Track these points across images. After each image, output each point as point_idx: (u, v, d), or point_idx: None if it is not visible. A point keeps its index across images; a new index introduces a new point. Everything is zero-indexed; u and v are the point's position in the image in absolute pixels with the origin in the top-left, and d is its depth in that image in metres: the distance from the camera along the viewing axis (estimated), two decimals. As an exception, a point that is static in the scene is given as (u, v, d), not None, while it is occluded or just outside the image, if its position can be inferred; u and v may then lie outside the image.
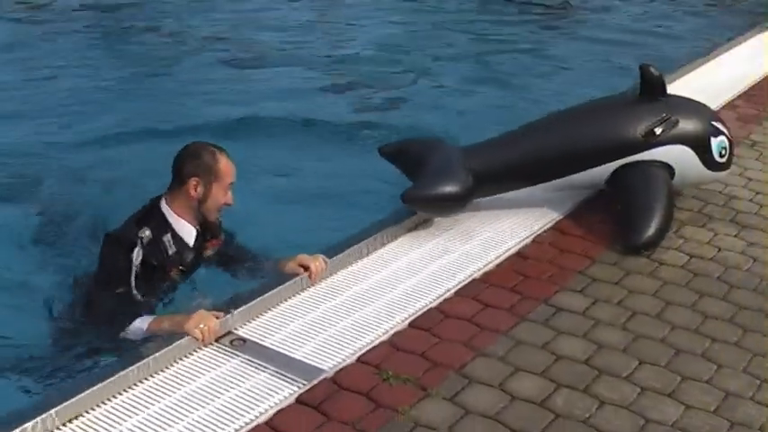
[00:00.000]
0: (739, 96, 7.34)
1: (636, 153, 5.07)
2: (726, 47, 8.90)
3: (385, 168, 5.42)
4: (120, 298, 4.17)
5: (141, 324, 4.02)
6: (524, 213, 5.14)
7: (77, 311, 4.41)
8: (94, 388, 3.47)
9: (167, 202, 4.39)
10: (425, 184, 4.84)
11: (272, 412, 3.41)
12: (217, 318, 3.95)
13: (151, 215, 4.37)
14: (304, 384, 3.57)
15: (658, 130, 5.06)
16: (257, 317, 4.03)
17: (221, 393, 3.53)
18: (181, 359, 3.75)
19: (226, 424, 3.35)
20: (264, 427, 3.35)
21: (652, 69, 5.19)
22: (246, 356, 3.76)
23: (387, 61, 9.27)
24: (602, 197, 5.23)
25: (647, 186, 5.02)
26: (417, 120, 7.25)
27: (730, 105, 6.94)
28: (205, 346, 3.87)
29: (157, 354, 3.69)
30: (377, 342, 3.86)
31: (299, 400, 3.48)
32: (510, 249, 4.71)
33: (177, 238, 4.36)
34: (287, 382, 3.59)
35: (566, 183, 5.13)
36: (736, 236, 4.99)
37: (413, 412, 3.42)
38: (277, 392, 3.53)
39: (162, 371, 3.67)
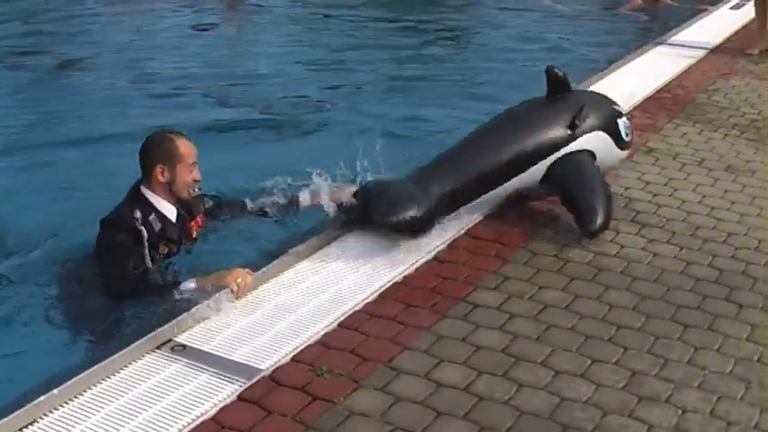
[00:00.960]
0: (635, 108, 7.76)
1: (565, 146, 5.46)
2: (619, 63, 9.33)
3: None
4: (138, 275, 4.66)
5: (189, 285, 4.50)
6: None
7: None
8: (40, 399, 3.62)
9: (145, 186, 4.85)
10: (389, 209, 5.07)
11: (215, 409, 3.63)
12: (250, 275, 4.51)
13: (137, 198, 4.86)
14: (244, 383, 3.80)
15: (578, 121, 5.48)
16: (196, 324, 4.24)
17: (166, 395, 3.74)
18: (125, 367, 3.93)
19: (172, 422, 3.57)
20: (210, 422, 3.58)
21: (557, 70, 5.62)
22: (188, 361, 3.98)
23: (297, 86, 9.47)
24: (511, 205, 5.53)
25: (582, 175, 5.47)
26: (335, 141, 7.46)
27: (627, 116, 7.30)
28: (238, 299, 4.45)
29: (101, 363, 3.88)
30: (309, 342, 4.11)
31: (240, 398, 3.72)
32: (428, 254, 4.98)
33: (161, 216, 4.85)
34: (228, 381, 3.82)
35: (510, 186, 5.45)
36: (636, 234, 5.34)
37: (347, 402, 3.68)
38: (219, 391, 3.75)
39: (107, 378, 3.85)
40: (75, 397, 3.73)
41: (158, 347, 4.07)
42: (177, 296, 4.54)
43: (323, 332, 4.20)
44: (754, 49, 10.10)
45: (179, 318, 4.21)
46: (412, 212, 5.04)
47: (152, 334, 4.10)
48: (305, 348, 4.07)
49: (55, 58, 10.62)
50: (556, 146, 5.46)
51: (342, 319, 4.33)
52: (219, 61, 10.86)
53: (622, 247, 5.17)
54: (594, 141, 5.56)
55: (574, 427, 3.59)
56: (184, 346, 4.08)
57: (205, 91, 9.28)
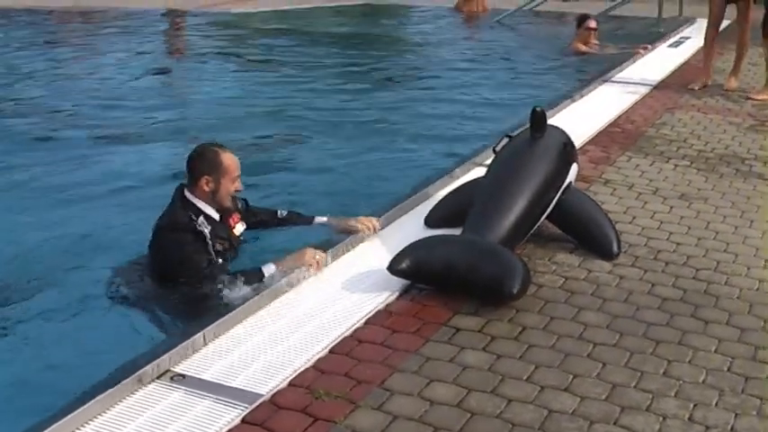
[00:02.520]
0: (589, 142, 8.07)
1: (566, 180, 5.74)
2: (568, 100, 9.65)
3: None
4: (214, 269, 5.12)
5: (270, 268, 5.06)
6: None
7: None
8: (50, 429, 3.71)
9: (190, 192, 5.24)
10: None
11: (221, 433, 3.81)
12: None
13: (183, 202, 5.23)
14: (246, 407, 3.95)
15: (569, 155, 5.82)
16: (193, 353, 4.40)
17: (171, 422, 3.86)
18: (126, 397, 4.04)
19: (181, 447, 3.74)
20: (217, 445, 3.75)
21: (538, 109, 5.85)
22: (188, 389, 4.12)
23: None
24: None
25: (589, 204, 5.90)
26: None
27: (582, 150, 7.61)
28: (317, 272, 5.20)
29: (102, 395, 3.97)
30: (304, 368, 4.28)
31: (244, 421, 3.87)
32: (407, 284, 5.17)
33: (208, 218, 5.21)
34: (229, 407, 3.97)
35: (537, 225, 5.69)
36: (601, 259, 5.58)
37: (348, 422, 3.84)
38: (223, 416, 3.90)
39: (109, 409, 3.96)
40: (79, 429, 3.83)
41: (158, 378, 4.21)
42: (263, 280, 5.13)
43: (316, 357, 4.38)
44: (696, 84, 10.50)
45: (175, 348, 4.34)
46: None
47: (150, 365, 4.20)
48: (300, 373, 4.23)
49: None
50: (563, 180, 5.75)
51: (332, 345, 4.51)
52: (165, 107, 10.97)
53: (590, 271, 5.41)
54: (573, 172, 5.88)
55: (564, 435, 3.80)
56: (184, 376, 4.22)
57: (152, 136, 9.40)
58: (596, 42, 13.79)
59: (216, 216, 5.41)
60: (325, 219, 5.99)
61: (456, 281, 5.01)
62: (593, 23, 13.76)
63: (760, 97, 10.07)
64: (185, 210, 5.31)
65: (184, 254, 5.21)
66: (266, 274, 5.15)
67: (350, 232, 5.77)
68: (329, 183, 7.66)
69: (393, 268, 5.05)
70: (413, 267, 5.06)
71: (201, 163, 5.37)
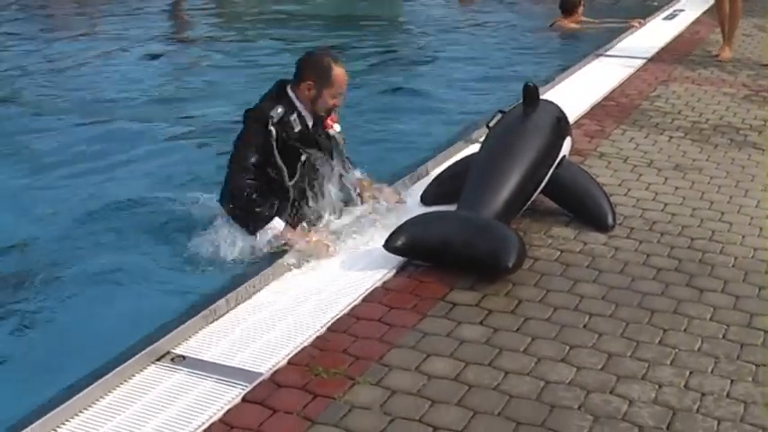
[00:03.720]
0: (583, 116, 8.10)
1: (559, 154, 5.81)
2: (563, 75, 9.67)
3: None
4: (251, 184, 5.30)
5: (277, 225, 5.29)
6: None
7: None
8: (47, 416, 3.72)
9: (292, 89, 5.37)
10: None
11: (222, 412, 3.81)
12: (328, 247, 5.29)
13: (281, 96, 5.35)
14: (246, 386, 3.99)
15: (562, 129, 5.91)
16: (193, 334, 4.44)
17: (173, 402, 3.89)
18: (127, 380, 4.08)
19: (183, 426, 3.73)
20: (219, 424, 3.75)
21: (530, 84, 5.91)
22: (189, 370, 4.15)
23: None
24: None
25: (584, 178, 5.94)
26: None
27: (577, 124, 7.65)
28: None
29: (104, 378, 4.00)
30: (302, 346, 4.32)
31: (245, 399, 3.90)
32: (403, 260, 5.20)
33: (301, 118, 5.35)
34: (230, 386, 4.01)
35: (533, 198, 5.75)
36: (596, 231, 5.61)
37: (347, 398, 3.88)
38: (224, 395, 3.94)
39: (111, 391, 3.99)
40: (81, 411, 3.86)
41: (158, 359, 4.24)
42: (259, 231, 5.33)
43: (315, 336, 4.42)
44: (717, 51, 10.57)
45: (175, 330, 4.38)
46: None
47: (151, 347, 4.24)
48: (299, 351, 4.27)
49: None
50: (556, 154, 5.80)
51: (330, 323, 4.55)
52: (168, 89, 11.02)
53: (586, 243, 5.45)
54: (566, 146, 5.92)
55: (560, 405, 3.83)
56: (184, 357, 4.26)
57: (153, 117, 9.44)
58: (583, 18, 13.76)
59: (310, 122, 5.53)
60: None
61: (452, 256, 5.05)
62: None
63: None
64: (276, 103, 5.43)
65: (243, 147, 5.42)
66: (267, 228, 5.35)
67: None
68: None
69: (390, 246, 5.09)
70: (409, 244, 5.10)
71: (311, 67, 5.50)
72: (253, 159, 5.38)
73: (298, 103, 5.48)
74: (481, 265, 4.97)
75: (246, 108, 5.51)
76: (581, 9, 13.77)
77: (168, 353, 4.30)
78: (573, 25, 13.66)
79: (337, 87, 5.50)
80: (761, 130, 7.77)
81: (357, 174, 5.97)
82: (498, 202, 5.35)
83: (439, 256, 5.10)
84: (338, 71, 5.50)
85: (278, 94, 5.50)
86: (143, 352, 4.22)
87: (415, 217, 5.33)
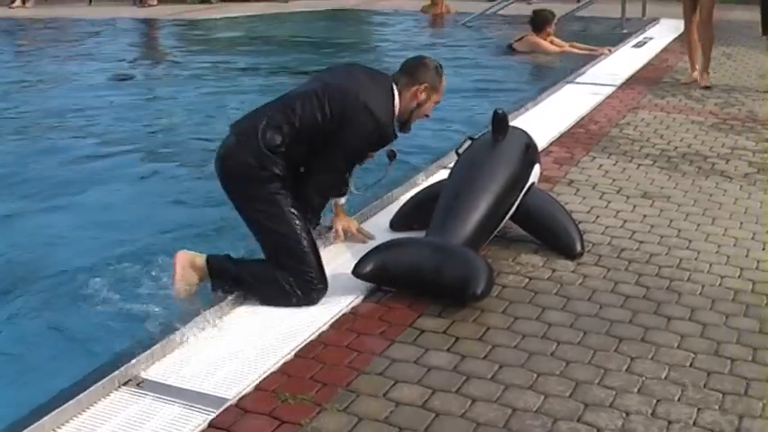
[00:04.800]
0: (553, 143, 8.14)
1: (528, 181, 5.80)
2: (533, 102, 9.72)
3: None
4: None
5: (341, 202, 5.65)
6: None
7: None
8: None
9: (399, 89, 5.43)
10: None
11: (188, 437, 3.82)
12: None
13: (393, 97, 5.38)
14: (213, 412, 3.97)
15: (531, 157, 5.91)
16: (160, 359, 4.41)
17: (139, 428, 3.86)
18: (91, 405, 4.04)
19: (149, 452, 3.75)
20: (184, 449, 3.76)
21: (499, 111, 5.90)
22: (155, 395, 4.13)
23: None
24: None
25: (552, 205, 5.95)
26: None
27: (546, 151, 7.69)
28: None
29: (67, 403, 3.96)
30: (270, 372, 4.30)
31: (211, 425, 3.88)
32: (372, 287, 5.20)
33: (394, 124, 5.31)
34: (197, 411, 3.98)
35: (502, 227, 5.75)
36: (565, 259, 5.63)
37: (314, 424, 3.86)
38: (190, 420, 3.91)
39: (75, 417, 3.95)
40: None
41: (124, 384, 4.21)
42: (331, 196, 5.60)
43: (282, 361, 4.40)
44: (685, 78, 10.70)
45: (142, 354, 4.35)
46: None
47: (116, 372, 4.21)
48: (267, 377, 4.26)
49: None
50: (525, 181, 5.80)
51: (298, 348, 4.53)
52: (140, 111, 11.00)
53: (554, 270, 5.46)
54: (535, 173, 5.95)
55: (528, 433, 3.84)
56: (150, 381, 4.23)
57: (128, 140, 9.40)
58: (554, 38, 13.82)
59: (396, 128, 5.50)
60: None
61: (421, 283, 5.04)
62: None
63: None
64: (385, 101, 5.34)
65: (357, 142, 5.33)
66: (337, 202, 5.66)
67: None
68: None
69: (358, 272, 5.08)
70: (378, 270, 5.10)
71: (428, 72, 5.50)
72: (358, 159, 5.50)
73: (398, 106, 5.43)
74: (450, 292, 4.97)
75: (360, 98, 5.26)
76: (552, 27, 13.80)
77: (134, 378, 4.27)
78: (539, 41, 13.72)
79: (438, 96, 5.59)
80: (728, 158, 7.83)
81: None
82: (467, 228, 5.35)
83: (408, 283, 5.09)
84: (444, 81, 5.60)
85: (392, 95, 5.39)
86: (108, 377, 4.18)
87: (384, 243, 5.33)
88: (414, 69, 5.53)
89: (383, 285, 5.16)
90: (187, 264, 5.13)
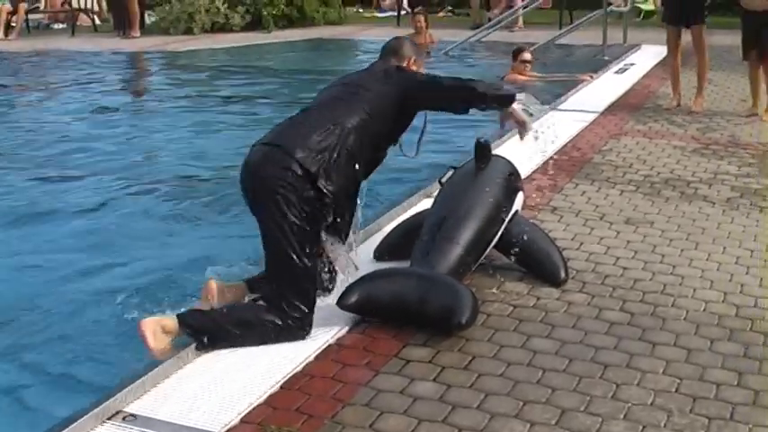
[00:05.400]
0: (536, 171, 8.16)
1: (512, 210, 5.83)
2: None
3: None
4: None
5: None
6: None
7: None
8: None
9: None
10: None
11: (175, 470, 3.82)
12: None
13: None
14: (199, 445, 3.99)
15: (516, 185, 5.97)
16: (145, 392, 4.40)
17: (126, 462, 3.90)
18: (78, 441, 4.06)
19: (136, 486, 3.73)
20: (172, 482, 3.75)
21: (482, 140, 5.98)
22: (141, 429, 4.12)
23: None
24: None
25: (536, 233, 5.95)
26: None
27: (529, 179, 7.70)
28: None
29: None
30: (255, 404, 4.30)
31: (197, 458, 3.90)
32: (357, 318, 5.20)
33: None
34: (183, 445, 4.00)
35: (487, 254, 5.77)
36: (549, 287, 5.63)
37: (300, 455, 3.89)
38: (176, 454, 3.93)
39: (61, 453, 3.97)
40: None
41: (109, 418, 4.20)
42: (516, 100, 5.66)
43: (268, 393, 4.40)
44: (668, 104, 10.76)
45: (127, 388, 4.34)
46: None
47: (102, 406, 4.20)
48: (253, 409, 4.25)
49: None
50: (509, 210, 5.82)
51: (284, 380, 4.52)
52: (122, 142, 10.99)
53: (539, 298, 5.46)
54: (519, 201, 5.99)
55: (514, 462, 3.84)
56: (135, 416, 4.22)
57: (111, 171, 9.39)
58: (532, 73, 13.84)
59: None
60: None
61: (406, 313, 5.05)
62: (527, 56, 13.79)
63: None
64: None
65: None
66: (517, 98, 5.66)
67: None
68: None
69: (343, 303, 5.08)
70: (363, 302, 5.10)
71: (408, 47, 5.86)
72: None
73: None
74: (435, 322, 4.97)
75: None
76: (526, 65, 13.78)
77: (119, 412, 4.26)
78: (521, 77, 13.73)
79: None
80: (711, 182, 7.86)
81: None
82: (451, 258, 5.36)
83: (393, 314, 5.10)
84: None
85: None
86: (94, 411, 4.16)
87: (368, 274, 5.33)
88: (397, 48, 5.82)
89: (368, 317, 5.15)
90: (157, 329, 4.87)
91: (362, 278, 5.25)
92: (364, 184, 5.54)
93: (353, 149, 5.14)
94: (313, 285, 5.10)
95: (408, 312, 5.05)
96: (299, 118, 5.33)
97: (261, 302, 5.09)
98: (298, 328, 4.98)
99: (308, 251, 5.00)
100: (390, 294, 5.13)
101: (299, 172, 4.95)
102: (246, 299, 5.25)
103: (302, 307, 5.00)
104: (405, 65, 5.71)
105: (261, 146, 5.20)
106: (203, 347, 4.83)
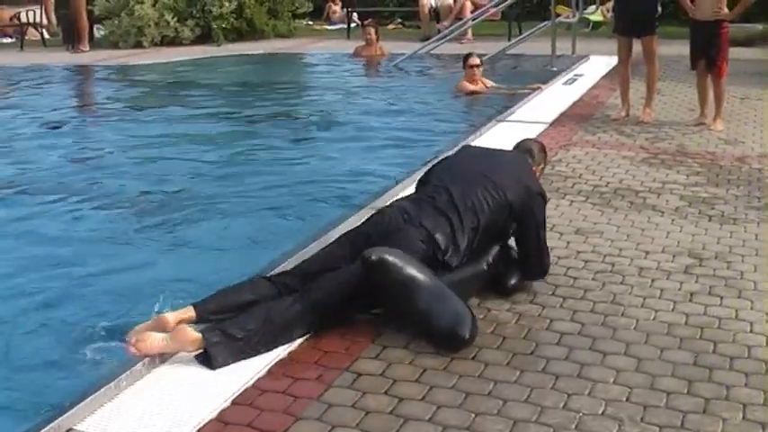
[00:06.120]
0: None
1: None
2: (467, 140, 9.76)
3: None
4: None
5: None
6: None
7: None
8: None
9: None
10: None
11: (125, 489, 3.78)
12: None
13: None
14: (149, 463, 3.96)
15: None
16: (95, 410, 4.36)
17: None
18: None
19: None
20: (122, 501, 3.72)
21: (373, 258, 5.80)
22: (91, 447, 4.11)
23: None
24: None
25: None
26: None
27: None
28: None
29: None
30: (207, 420, 4.28)
31: (147, 476, 3.87)
32: (308, 333, 5.19)
33: None
34: (133, 463, 3.97)
35: None
36: (499, 298, 5.65)
37: (251, 472, 3.86)
38: (126, 472, 3.90)
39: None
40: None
41: (61, 439, 4.17)
42: None
43: (219, 409, 4.37)
44: (616, 115, 10.84)
45: (78, 405, 4.30)
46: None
47: (53, 423, 4.17)
48: (204, 426, 4.24)
49: None
50: None
51: (235, 396, 4.50)
52: (70, 158, 10.90)
53: (489, 310, 5.48)
54: None
55: (466, 474, 3.84)
56: (85, 434, 4.19)
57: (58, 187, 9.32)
58: (483, 79, 13.88)
59: None
60: None
61: (410, 302, 5.07)
62: (475, 60, 13.84)
63: (716, 128, 10.45)
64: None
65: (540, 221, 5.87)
66: None
67: None
68: (235, 229, 7.66)
69: (368, 258, 5.08)
70: (388, 265, 5.07)
71: (542, 154, 6.38)
72: None
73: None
74: (437, 334, 5.02)
75: (530, 186, 5.82)
76: (474, 69, 13.79)
77: (71, 429, 4.23)
78: (471, 87, 13.77)
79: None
80: (659, 192, 7.92)
81: None
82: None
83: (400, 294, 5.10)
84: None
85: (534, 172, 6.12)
86: (44, 429, 4.14)
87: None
88: (534, 148, 6.37)
89: (378, 282, 5.13)
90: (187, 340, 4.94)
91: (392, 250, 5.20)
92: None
93: None
94: None
95: (413, 304, 5.06)
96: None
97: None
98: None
99: None
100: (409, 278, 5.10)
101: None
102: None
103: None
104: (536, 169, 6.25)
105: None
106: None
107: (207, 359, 4.83)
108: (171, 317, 5.07)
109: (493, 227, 5.64)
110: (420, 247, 5.35)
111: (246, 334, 4.92)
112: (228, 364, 4.81)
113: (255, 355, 4.90)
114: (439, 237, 5.42)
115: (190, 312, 5.18)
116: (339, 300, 5.16)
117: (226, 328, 4.93)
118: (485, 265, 5.65)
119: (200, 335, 4.88)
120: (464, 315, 5.06)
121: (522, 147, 6.35)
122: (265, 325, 4.97)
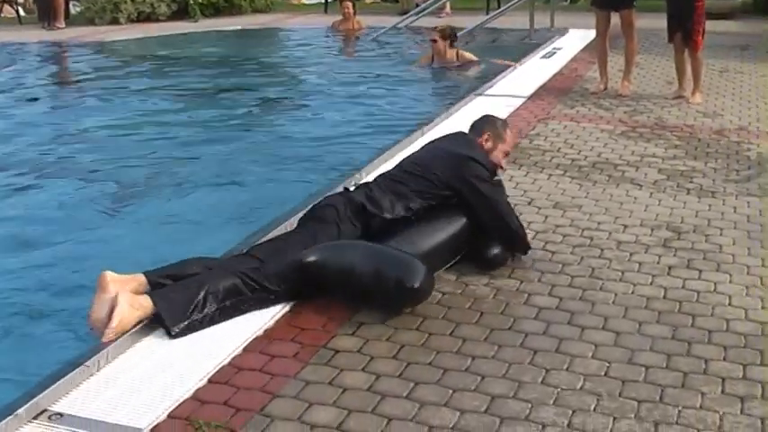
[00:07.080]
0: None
1: None
2: (446, 114, 9.73)
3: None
4: None
5: None
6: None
7: None
8: None
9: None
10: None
11: (101, 470, 3.75)
12: None
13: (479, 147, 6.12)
14: (125, 443, 3.93)
15: None
16: (71, 390, 4.32)
17: (51, 463, 3.82)
18: (2, 441, 3.98)
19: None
20: (97, 482, 3.68)
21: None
22: (67, 428, 4.05)
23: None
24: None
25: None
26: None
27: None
28: None
29: None
30: (183, 399, 4.25)
31: (124, 456, 3.84)
32: (285, 307, 5.17)
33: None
34: (109, 443, 3.94)
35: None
36: (478, 273, 5.63)
37: (228, 450, 3.84)
38: (102, 453, 3.87)
39: (-14, 455, 3.89)
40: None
41: (35, 417, 4.12)
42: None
43: (195, 388, 4.34)
44: (594, 89, 10.81)
45: (53, 386, 4.26)
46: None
47: (27, 404, 4.12)
48: (180, 404, 4.20)
49: None
50: None
51: (211, 374, 4.47)
52: (45, 133, 10.82)
53: (467, 285, 5.46)
54: None
55: (444, 451, 3.82)
56: (61, 414, 4.15)
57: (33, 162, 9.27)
58: (450, 50, 13.81)
59: None
60: None
61: (357, 282, 5.11)
62: (434, 35, 13.89)
63: (695, 101, 10.42)
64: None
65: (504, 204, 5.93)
66: None
67: None
68: (205, 207, 7.61)
69: (303, 259, 5.12)
70: (318, 263, 5.16)
71: (489, 124, 6.26)
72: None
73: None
74: (389, 291, 5.04)
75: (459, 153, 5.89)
76: (435, 43, 13.75)
77: (45, 410, 4.19)
78: (424, 61, 13.80)
79: (508, 145, 6.24)
80: (638, 165, 7.91)
81: None
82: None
83: (344, 280, 5.17)
84: (510, 132, 6.29)
85: (475, 145, 6.07)
86: (20, 410, 4.09)
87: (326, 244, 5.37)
88: (479, 123, 6.26)
89: (316, 281, 5.19)
90: (134, 303, 4.92)
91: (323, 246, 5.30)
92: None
93: None
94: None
95: (360, 282, 5.10)
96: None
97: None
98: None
99: None
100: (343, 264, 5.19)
101: None
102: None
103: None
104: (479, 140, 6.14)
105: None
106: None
107: (160, 321, 4.87)
108: (109, 276, 5.01)
109: (427, 192, 5.77)
110: (342, 205, 5.69)
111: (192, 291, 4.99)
112: (181, 323, 4.85)
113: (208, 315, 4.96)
114: (360, 196, 5.75)
115: (140, 278, 5.13)
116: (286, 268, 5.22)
117: (172, 289, 4.99)
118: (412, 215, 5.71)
119: (148, 297, 4.90)
120: (411, 265, 5.07)
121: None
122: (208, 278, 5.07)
